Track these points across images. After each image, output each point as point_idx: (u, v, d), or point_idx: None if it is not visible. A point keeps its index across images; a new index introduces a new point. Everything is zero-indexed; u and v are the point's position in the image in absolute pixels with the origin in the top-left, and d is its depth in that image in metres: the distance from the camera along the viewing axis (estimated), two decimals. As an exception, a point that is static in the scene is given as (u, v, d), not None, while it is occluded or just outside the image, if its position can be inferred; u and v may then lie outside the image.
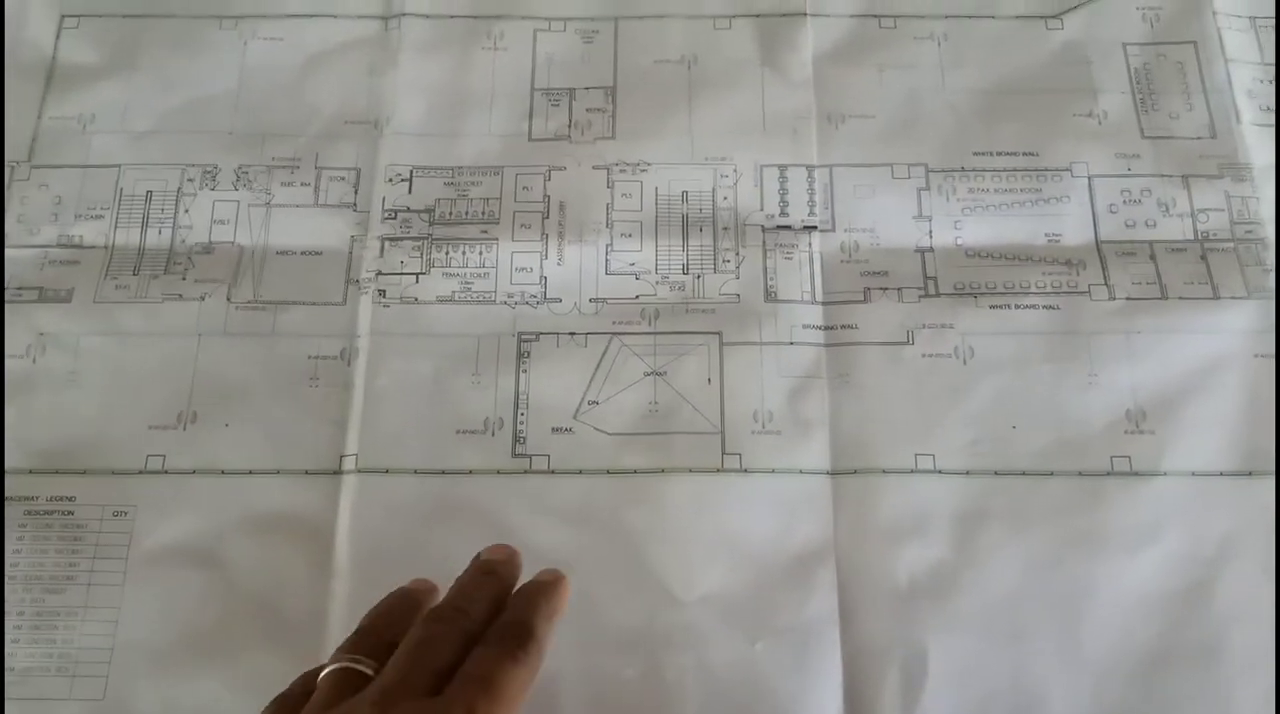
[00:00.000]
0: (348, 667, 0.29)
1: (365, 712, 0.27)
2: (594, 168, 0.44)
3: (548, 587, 0.32)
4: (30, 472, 0.39)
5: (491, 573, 0.32)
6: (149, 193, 0.44)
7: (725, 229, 0.43)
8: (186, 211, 0.43)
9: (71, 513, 0.39)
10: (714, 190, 0.44)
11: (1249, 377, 0.40)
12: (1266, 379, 0.40)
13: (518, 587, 0.33)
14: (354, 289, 0.42)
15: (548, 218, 0.43)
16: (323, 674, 0.29)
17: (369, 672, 0.29)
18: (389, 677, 0.28)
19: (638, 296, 0.42)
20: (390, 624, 0.31)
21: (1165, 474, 0.39)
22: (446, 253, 0.43)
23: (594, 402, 0.40)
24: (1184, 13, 0.46)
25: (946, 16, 0.46)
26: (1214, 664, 0.36)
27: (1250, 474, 0.39)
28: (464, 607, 0.31)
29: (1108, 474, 0.39)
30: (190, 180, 0.44)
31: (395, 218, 0.43)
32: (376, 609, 0.33)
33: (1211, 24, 0.46)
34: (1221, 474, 0.39)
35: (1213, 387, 0.40)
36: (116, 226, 0.43)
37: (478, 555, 0.34)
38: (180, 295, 0.42)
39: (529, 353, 0.41)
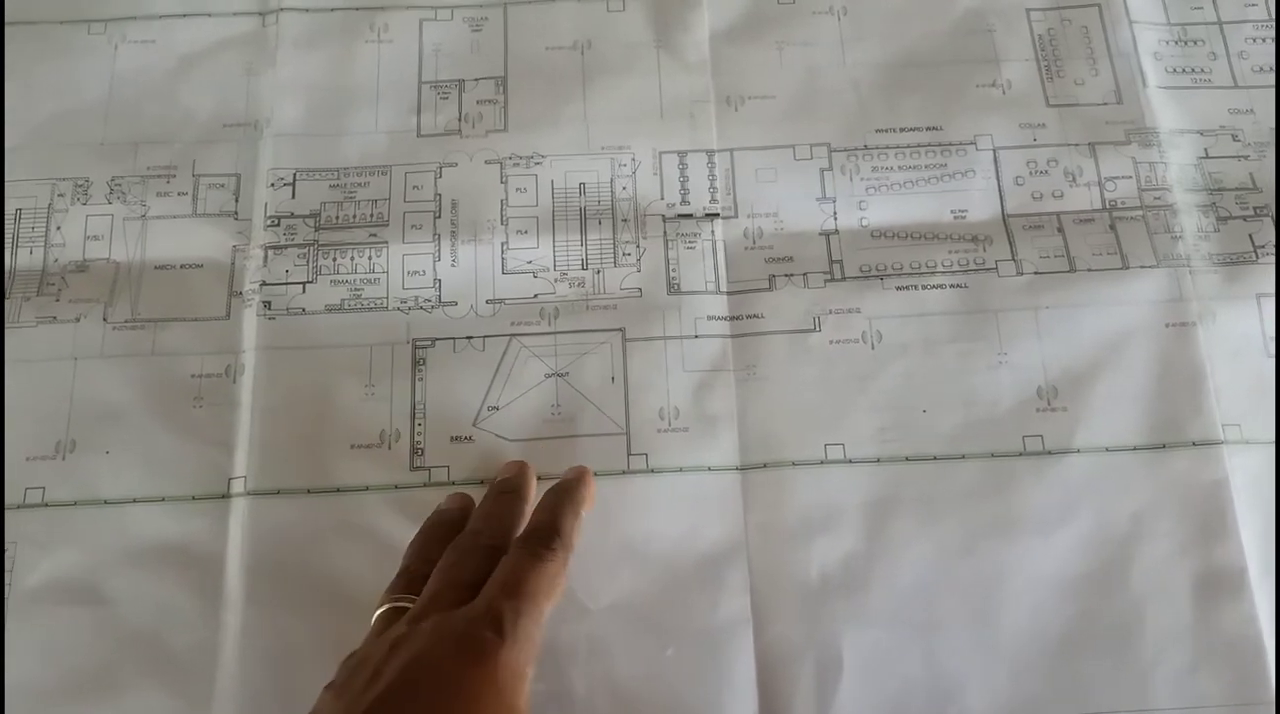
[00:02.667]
0: (394, 605, 0.31)
1: (401, 629, 0.29)
2: (486, 162, 0.42)
3: (569, 485, 0.35)
4: (-101, 513, 0.37)
5: (506, 492, 0.35)
6: (18, 211, 0.41)
7: (625, 221, 0.41)
8: (59, 228, 0.41)
9: (-54, 554, 0.37)
10: (612, 181, 0.42)
11: (1161, 347, 0.39)
12: (1178, 349, 0.39)
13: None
14: (237, 302, 0.40)
15: (439, 217, 0.41)
16: (374, 617, 0.31)
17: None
18: (422, 599, 0.30)
19: (536, 295, 0.40)
20: (427, 559, 0.33)
21: (1079, 451, 0.38)
22: (334, 259, 0.41)
23: (494, 407, 0.39)
24: (1088, -25, 0.45)
25: (846, -11, 0.45)
26: (1130, 645, 0.36)
27: (1164, 446, 0.38)
28: (483, 528, 0.33)
29: (1020, 454, 0.38)
30: (61, 196, 0.42)
31: (279, 225, 0.41)
32: (413, 544, 0.34)
33: (1116, -15, 0.45)
34: (1135, 448, 0.38)
35: (1124, 359, 0.39)
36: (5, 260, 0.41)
37: (494, 480, 0.36)
38: (54, 317, 0.40)
39: (425, 360, 0.39)
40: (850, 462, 0.38)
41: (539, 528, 0.32)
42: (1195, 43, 0.44)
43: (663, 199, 0.42)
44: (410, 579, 0.32)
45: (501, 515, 0.34)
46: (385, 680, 0.27)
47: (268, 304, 0.40)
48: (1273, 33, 0.44)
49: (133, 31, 0.44)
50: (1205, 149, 0.42)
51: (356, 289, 0.40)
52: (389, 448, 0.38)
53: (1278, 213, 0.41)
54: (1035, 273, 0.40)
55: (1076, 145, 0.42)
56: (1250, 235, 0.41)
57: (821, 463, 0.38)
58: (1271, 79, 0.43)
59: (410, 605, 0.31)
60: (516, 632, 0.28)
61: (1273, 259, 0.40)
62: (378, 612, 0.31)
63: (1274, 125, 0.42)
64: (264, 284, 0.40)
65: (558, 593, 0.31)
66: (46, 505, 0.37)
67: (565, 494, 0.34)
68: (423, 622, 0.29)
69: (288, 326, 0.40)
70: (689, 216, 0.41)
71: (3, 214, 0.41)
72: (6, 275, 0.40)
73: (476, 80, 0.44)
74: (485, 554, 0.31)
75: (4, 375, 0.39)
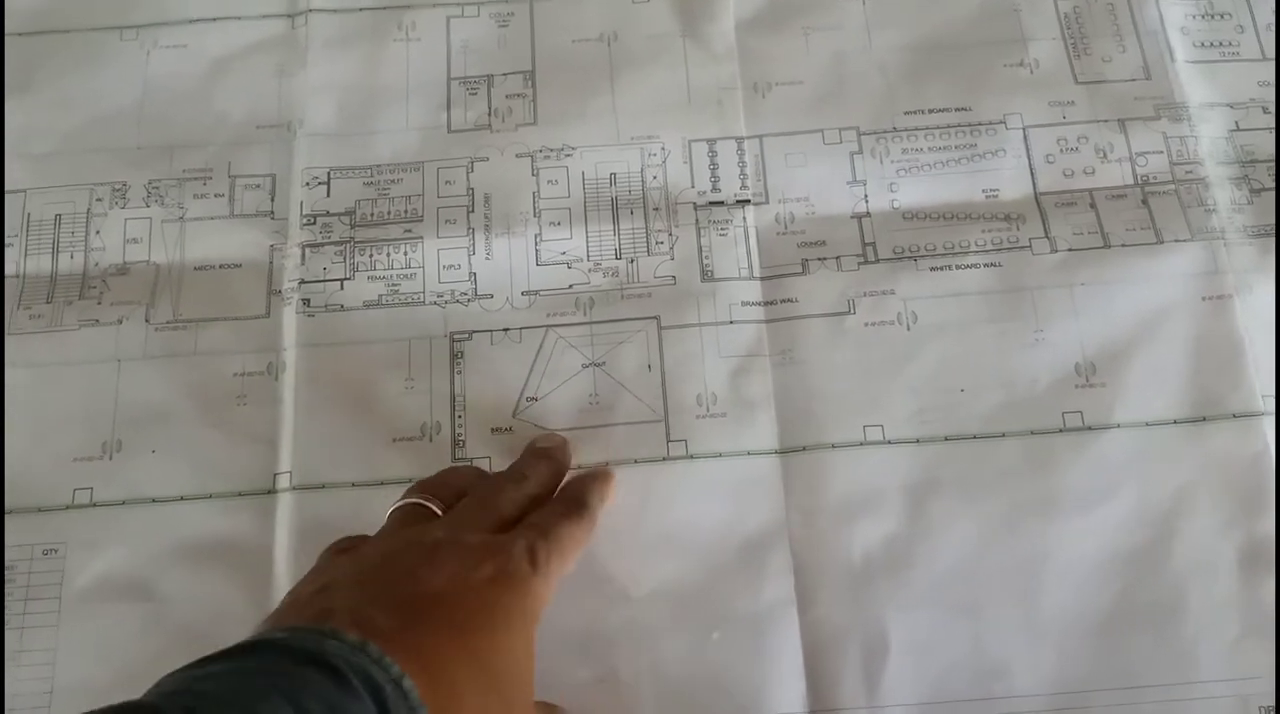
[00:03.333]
0: (416, 503, 0.33)
1: (438, 533, 0.30)
2: (517, 156, 0.43)
3: (601, 475, 0.36)
4: (-48, 516, 0.38)
5: (548, 456, 0.36)
6: (57, 216, 0.42)
7: (656, 210, 0.42)
8: (98, 233, 0.42)
9: (-1, 555, 0.37)
10: (642, 170, 0.42)
11: (1198, 320, 0.39)
12: (1216, 322, 0.39)
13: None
14: (277, 300, 0.41)
15: (473, 212, 0.42)
16: (391, 509, 0.33)
17: (436, 510, 0.32)
18: (459, 514, 0.32)
19: (571, 286, 0.41)
20: (457, 477, 0.35)
21: (1118, 426, 0.38)
22: (370, 256, 0.41)
23: (533, 398, 0.39)
24: (1112, -49, 0.45)
25: (870, -27, 0.45)
26: (1175, 619, 0.36)
27: (1204, 420, 0.38)
28: (528, 475, 0.34)
29: (1060, 431, 0.38)
30: (99, 200, 0.42)
31: (315, 223, 0.42)
32: (443, 470, 0.36)
33: (1140, -39, 0.45)
34: (1175, 422, 0.38)
35: (1162, 334, 0.39)
36: (26, 254, 0.41)
37: (532, 441, 0.37)
38: (97, 320, 0.40)
39: (463, 353, 0.40)
40: (889, 443, 0.38)
41: (572, 496, 0.34)
42: (1222, 16, 0.44)
43: (693, 187, 0.42)
44: (435, 486, 0.34)
45: (540, 472, 0.35)
46: (428, 585, 0.28)
47: (307, 302, 0.40)
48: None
49: (164, 37, 0.45)
50: (1236, 122, 0.42)
51: (393, 284, 0.41)
52: (430, 441, 0.39)
53: (1277, 191, 0.41)
54: (1069, 250, 0.40)
55: (1106, 122, 0.42)
56: (1285, 207, 0.40)
57: (861, 445, 0.38)
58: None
59: (433, 508, 0.32)
60: (548, 571, 0.30)
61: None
62: (398, 504, 0.33)
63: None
64: (302, 282, 0.41)
65: (577, 556, 0.32)
66: (95, 505, 0.38)
67: (597, 480, 0.36)
68: (460, 534, 0.30)
69: (327, 323, 0.40)
70: (720, 203, 0.42)
71: (2, 221, 0.42)
72: (49, 280, 0.41)
73: (505, 75, 0.44)
74: (521, 499, 0.33)
75: (4, 385, 0.39)
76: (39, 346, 0.40)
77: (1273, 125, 0.42)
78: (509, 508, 0.33)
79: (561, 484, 0.36)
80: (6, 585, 0.37)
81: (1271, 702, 0.35)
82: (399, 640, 0.26)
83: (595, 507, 0.34)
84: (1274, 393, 0.38)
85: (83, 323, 0.40)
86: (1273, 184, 0.41)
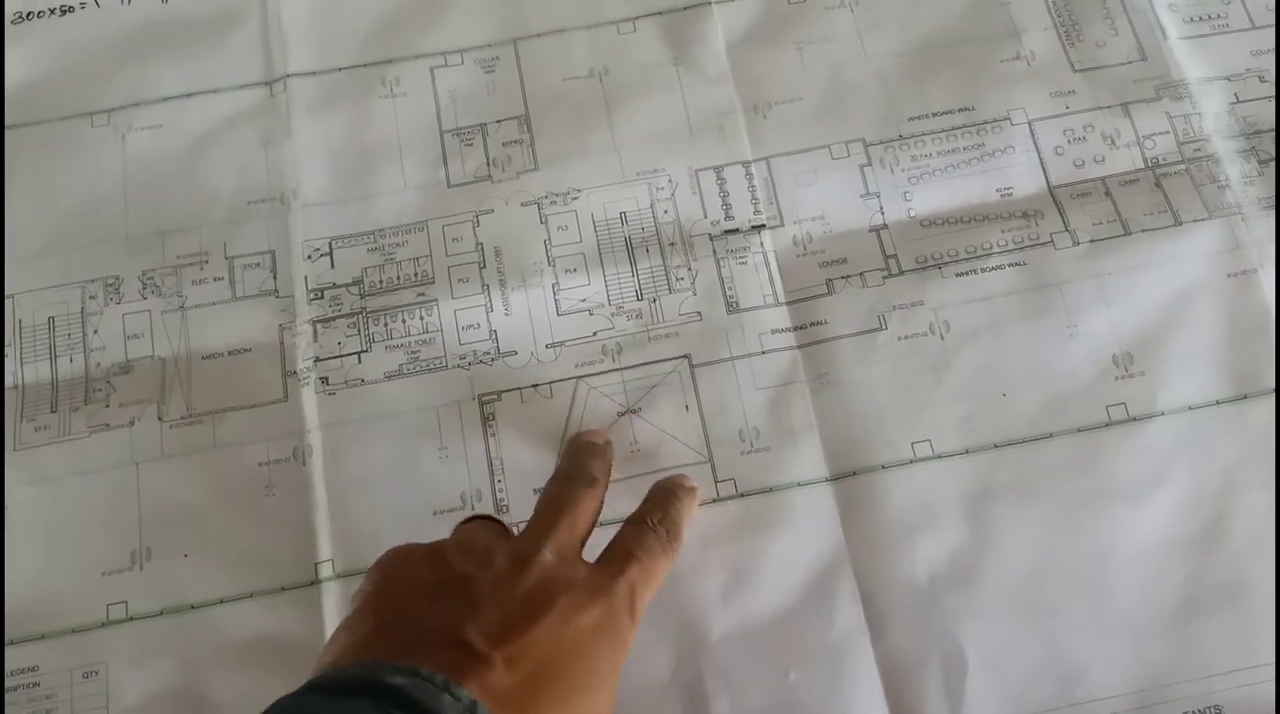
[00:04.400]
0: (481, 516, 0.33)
1: (546, 556, 0.29)
2: (523, 205, 0.41)
3: (688, 492, 0.35)
4: (-18, 649, 0.36)
5: (600, 455, 0.35)
6: (50, 319, 0.40)
7: (672, 245, 0.41)
8: (95, 332, 0.40)
9: (37, 684, 0.35)
10: (652, 205, 0.41)
11: (1226, 298, 0.39)
12: (1244, 297, 0.39)
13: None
14: (294, 382, 0.39)
15: (485, 267, 0.41)
16: (463, 522, 0.33)
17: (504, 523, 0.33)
18: (546, 526, 0.31)
19: (595, 333, 0.40)
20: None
21: (1163, 413, 0.38)
22: (385, 324, 0.40)
23: (571, 452, 0.38)
24: (1091, -67, 0.45)
25: (853, -20, 0.44)
26: (1243, 599, 0.36)
27: (1245, 397, 0.38)
28: (596, 476, 0.33)
29: (1106, 425, 0.38)
30: (93, 297, 0.40)
31: (323, 297, 0.40)
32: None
33: (1122, -59, 0.45)
34: (1218, 402, 0.38)
35: (1193, 315, 0.39)
36: (23, 362, 0.40)
37: (577, 436, 0.37)
38: (107, 424, 0.39)
39: (494, 415, 0.39)
40: (939, 456, 0.38)
41: (671, 521, 0.33)
42: (1208, -12, 0.44)
43: (706, 217, 0.41)
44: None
45: (601, 473, 0.34)
46: (542, 626, 0.27)
47: (325, 380, 0.39)
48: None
49: (138, 118, 0.43)
50: (1235, 94, 0.42)
51: (413, 351, 0.39)
52: (472, 508, 0.37)
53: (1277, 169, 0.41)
54: (1091, 241, 0.40)
55: (1109, 108, 0.42)
56: (1295, 174, 0.41)
57: (911, 462, 0.38)
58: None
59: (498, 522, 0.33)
60: (641, 616, 0.30)
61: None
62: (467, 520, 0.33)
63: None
64: (318, 360, 0.39)
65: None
66: (132, 619, 0.36)
67: (688, 498, 0.35)
68: (565, 565, 0.30)
69: (349, 400, 0.39)
70: (735, 231, 0.41)
71: (2, 250, 0.41)
72: (51, 387, 0.39)
73: (499, 122, 0.43)
74: (596, 508, 0.33)
75: (4, 403, 0.38)
76: (49, 459, 0.38)
77: (1272, 94, 0.42)
78: (588, 522, 0.32)
79: (651, 494, 0.34)
80: (49, 715, 0.35)
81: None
82: (508, 701, 0.26)
83: (684, 535, 0.33)
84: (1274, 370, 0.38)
85: (92, 428, 0.39)
86: (1281, 153, 0.41)
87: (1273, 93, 0.42)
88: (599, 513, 0.33)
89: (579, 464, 0.34)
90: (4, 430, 0.38)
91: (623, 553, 0.31)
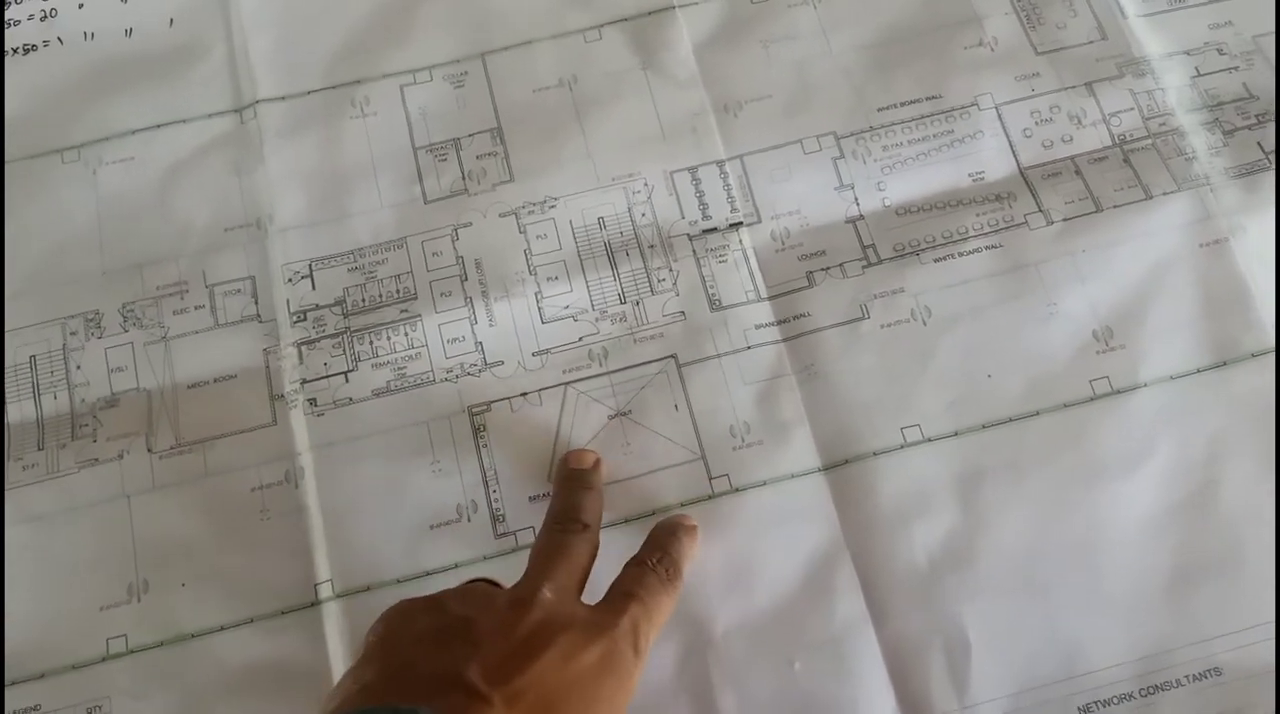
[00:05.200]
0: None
1: (545, 595, 0.29)
2: (501, 216, 0.42)
3: (689, 532, 0.35)
4: (-19, 693, 0.35)
5: (591, 487, 0.35)
6: (32, 357, 0.40)
7: (652, 247, 0.41)
8: (78, 367, 0.40)
9: (39, 724, 0.35)
10: (630, 209, 0.42)
11: (1200, 268, 0.40)
12: (1217, 266, 0.40)
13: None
14: (281, 405, 0.39)
15: (466, 280, 0.41)
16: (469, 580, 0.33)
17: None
18: (556, 577, 0.31)
19: (581, 339, 0.40)
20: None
21: (1145, 385, 0.38)
22: (370, 343, 0.40)
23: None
24: (1044, -82, 0.45)
25: (813, -24, 0.45)
26: (1236, 564, 0.36)
27: (1224, 364, 0.38)
28: (588, 522, 0.33)
29: (1091, 399, 0.38)
30: (74, 333, 0.40)
31: (306, 319, 0.40)
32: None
33: (1074, -77, 0.45)
34: (1199, 371, 0.38)
35: (1168, 286, 0.39)
36: (6, 402, 0.39)
37: (564, 461, 0.37)
38: (96, 459, 0.38)
39: (485, 426, 0.39)
40: (929, 440, 0.38)
41: (670, 561, 0.33)
42: (1161, -35, 0.45)
43: (684, 218, 0.41)
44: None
45: (593, 512, 0.34)
46: (543, 666, 0.27)
47: (313, 401, 0.39)
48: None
49: (108, 152, 0.43)
50: (1195, 68, 0.43)
51: (400, 368, 0.39)
52: (468, 521, 0.37)
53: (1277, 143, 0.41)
54: (1064, 219, 0.40)
55: (1074, 88, 0.43)
56: (1259, 143, 0.41)
57: (901, 447, 0.38)
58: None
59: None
60: (646, 655, 0.30)
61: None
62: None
63: (1257, 34, 0.43)
64: (305, 382, 0.39)
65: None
66: (132, 652, 0.36)
67: (689, 538, 0.35)
68: (567, 609, 0.30)
69: (339, 420, 0.39)
70: (714, 230, 0.41)
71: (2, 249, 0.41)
72: (36, 426, 0.39)
73: (471, 136, 0.43)
74: (591, 552, 0.33)
75: (4, 404, 0.38)
76: (39, 497, 0.38)
77: (1230, 66, 0.43)
78: (583, 568, 0.32)
79: (651, 535, 0.35)
80: (53, 755, 0.35)
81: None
82: None
83: (685, 575, 0.33)
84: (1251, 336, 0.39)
85: (81, 464, 0.38)
86: (1244, 123, 0.42)
87: (1231, 64, 0.43)
88: (595, 556, 0.33)
89: (570, 507, 0.34)
90: (4, 468, 0.38)
91: (623, 593, 0.31)
